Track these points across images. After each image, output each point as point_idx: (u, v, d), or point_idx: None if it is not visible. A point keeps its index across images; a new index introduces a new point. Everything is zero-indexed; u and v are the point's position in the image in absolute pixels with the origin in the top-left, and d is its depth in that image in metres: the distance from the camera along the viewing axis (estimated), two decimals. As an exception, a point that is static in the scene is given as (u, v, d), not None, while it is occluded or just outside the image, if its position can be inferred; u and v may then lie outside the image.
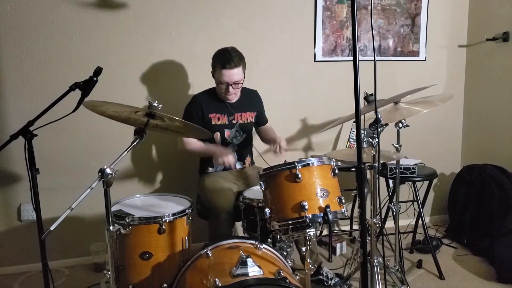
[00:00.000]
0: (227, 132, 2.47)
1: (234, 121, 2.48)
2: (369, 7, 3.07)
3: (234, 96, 2.41)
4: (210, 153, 2.39)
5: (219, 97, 2.46)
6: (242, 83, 2.39)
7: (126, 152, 1.60)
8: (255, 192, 2.16)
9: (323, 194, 1.70)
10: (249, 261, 1.52)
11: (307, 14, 2.99)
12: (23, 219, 2.68)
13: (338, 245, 2.90)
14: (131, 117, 1.75)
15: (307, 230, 1.69)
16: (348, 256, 2.77)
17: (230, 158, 2.30)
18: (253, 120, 2.56)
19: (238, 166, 2.55)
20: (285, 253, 1.92)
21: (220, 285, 1.43)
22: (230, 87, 2.33)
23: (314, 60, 3.06)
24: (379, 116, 1.80)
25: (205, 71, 2.75)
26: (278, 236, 1.92)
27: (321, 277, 2.37)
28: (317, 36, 3.03)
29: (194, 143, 2.43)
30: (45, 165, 2.59)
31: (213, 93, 2.47)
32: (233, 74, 2.30)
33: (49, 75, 2.60)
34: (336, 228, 3.29)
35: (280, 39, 2.97)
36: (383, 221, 2.80)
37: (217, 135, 2.45)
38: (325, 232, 3.05)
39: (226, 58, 2.29)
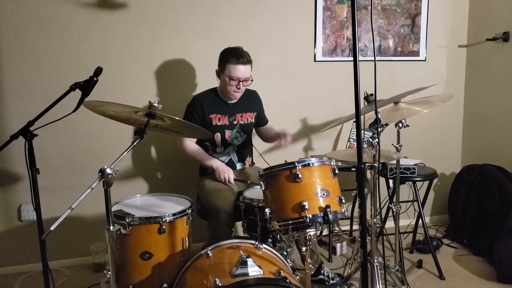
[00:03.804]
0: (227, 133, 2.47)
1: (234, 122, 2.48)
2: (369, 7, 3.07)
3: (240, 94, 2.41)
4: (210, 167, 2.39)
5: (220, 98, 2.46)
6: (252, 81, 2.39)
7: (126, 152, 1.60)
8: (255, 192, 2.16)
9: (323, 194, 1.69)
10: (249, 261, 1.52)
11: (307, 14, 3.00)
12: (23, 219, 2.68)
13: (338, 245, 2.90)
14: (131, 117, 1.75)
15: (307, 230, 1.69)
16: (348, 256, 2.77)
17: (230, 177, 2.31)
18: (253, 120, 2.56)
19: (239, 166, 2.54)
20: (285, 253, 1.92)
21: (220, 285, 1.43)
22: (241, 83, 2.34)
23: (314, 60, 3.06)
24: (379, 116, 1.81)
25: (205, 71, 2.76)
26: (278, 236, 1.92)
27: (322, 277, 2.37)
28: (317, 36, 3.03)
29: (195, 151, 2.43)
30: (45, 165, 2.58)
31: (214, 93, 2.47)
32: (246, 70, 2.32)
33: (49, 75, 2.60)
34: (336, 228, 3.29)
35: (280, 39, 2.97)
36: (383, 221, 2.80)
37: (218, 135, 2.45)
38: (325, 232, 3.05)
39: (240, 54, 2.31)
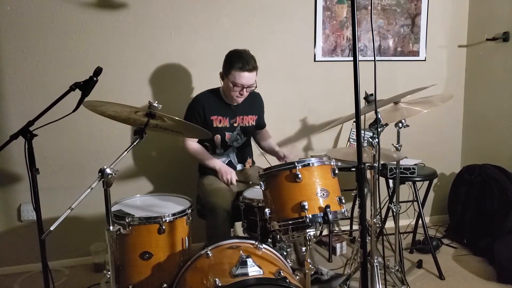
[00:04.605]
0: (227, 135, 2.46)
1: (235, 124, 2.47)
2: (369, 7, 3.07)
3: (242, 99, 2.40)
4: (213, 168, 2.39)
5: (222, 99, 2.45)
6: (256, 87, 2.37)
7: (126, 152, 1.60)
8: (255, 192, 2.16)
9: (323, 194, 1.69)
10: (249, 261, 1.52)
11: (307, 14, 3.00)
12: (23, 219, 2.68)
13: (338, 245, 2.90)
14: (131, 117, 1.76)
15: (307, 230, 1.69)
16: (348, 256, 2.76)
17: (232, 178, 2.31)
18: (254, 123, 2.56)
19: (239, 167, 2.54)
20: (285, 253, 1.92)
21: (220, 285, 1.43)
22: (244, 89, 2.32)
23: (314, 60, 3.06)
24: (379, 116, 1.80)
25: (205, 71, 2.76)
26: (278, 236, 1.92)
27: (316, 275, 2.37)
28: (317, 36, 3.03)
29: (197, 150, 2.44)
30: (45, 165, 2.59)
31: (216, 94, 2.46)
32: (251, 77, 2.29)
33: (49, 75, 2.60)
34: (336, 228, 3.29)
35: (280, 39, 2.97)
36: (383, 221, 2.80)
37: (218, 137, 2.44)
38: (325, 232, 3.04)
39: (246, 60, 2.26)
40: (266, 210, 1.74)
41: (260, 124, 2.64)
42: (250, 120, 2.52)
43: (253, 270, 1.50)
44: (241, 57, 2.27)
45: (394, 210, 2.39)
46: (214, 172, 2.46)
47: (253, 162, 2.66)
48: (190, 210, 1.99)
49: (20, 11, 2.51)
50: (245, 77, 2.27)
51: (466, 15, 3.33)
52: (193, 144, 2.44)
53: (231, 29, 2.85)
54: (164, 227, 1.86)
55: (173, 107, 2.48)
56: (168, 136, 2.29)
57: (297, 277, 1.74)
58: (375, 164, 1.88)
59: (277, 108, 2.91)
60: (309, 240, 1.69)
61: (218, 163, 2.39)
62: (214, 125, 2.42)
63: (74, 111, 1.84)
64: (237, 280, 1.46)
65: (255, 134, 2.68)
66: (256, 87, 2.37)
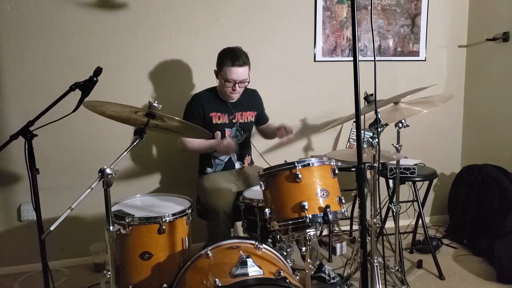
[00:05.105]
0: (227, 131, 2.47)
1: (234, 120, 2.48)
2: (369, 7, 3.07)
3: (237, 95, 2.42)
4: (211, 146, 2.39)
5: (219, 96, 2.47)
6: (248, 82, 2.39)
7: (126, 152, 1.60)
8: (255, 192, 2.16)
9: (323, 194, 1.69)
10: (249, 261, 1.52)
11: (307, 14, 3.00)
12: (23, 219, 2.68)
13: (338, 245, 2.90)
14: (131, 117, 1.76)
15: (307, 230, 1.69)
16: (348, 256, 2.76)
17: (231, 143, 2.30)
18: (253, 119, 2.57)
19: (238, 166, 2.55)
20: (285, 253, 1.92)
21: (220, 285, 1.43)
22: (237, 85, 2.34)
23: (314, 60, 3.06)
24: (379, 116, 1.81)
25: (205, 71, 2.75)
26: (278, 236, 1.92)
27: (322, 274, 2.37)
28: (317, 36, 3.03)
29: (196, 142, 2.43)
30: (45, 165, 2.59)
31: (214, 92, 2.48)
32: (242, 72, 2.31)
33: (49, 75, 2.60)
34: (336, 228, 3.29)
35: (280, 39, 2.97)
36: (383, 221, 2.80)
37: (218, 134, 2.45)
38: (325, 232, 3.05)
39: (236, 56, 2.29)
40: (266, 210, 1.74)
41: (262, 119, 2.66)
42: (249, 116, 2.53)
43: (253, 270, 1.50)
44: (231, 53, 2.31)
45: (394, 210, 2.39)
46: (213, 171, 2.46)
47: (252, 161, 2.66)
48: (190, 210, 1.99)
49: (20, 11, 2.51)
50: (236, 72, 2.29)
51: (466, 15, 3.33)
52: (190, 140, 2.43)
53: (231, 29, 2.85)
54: (164, 227, 1.86)
55: (173, 107, 2.48)
56: (168, 136, 2.29)
57: (297, 277, 1.74)
58: (375, 164, 1.88)
59: (277, 108, 2.91)
60: (309, 240, 1.69)
61: (212, 140, 2.38)
62: (214, 122, 2.43)
63: (74, 111, 1.84)
64: (237, 280, 1.46)
65: (260, 131, 2.70)
66: (248, 82, 2.39)
